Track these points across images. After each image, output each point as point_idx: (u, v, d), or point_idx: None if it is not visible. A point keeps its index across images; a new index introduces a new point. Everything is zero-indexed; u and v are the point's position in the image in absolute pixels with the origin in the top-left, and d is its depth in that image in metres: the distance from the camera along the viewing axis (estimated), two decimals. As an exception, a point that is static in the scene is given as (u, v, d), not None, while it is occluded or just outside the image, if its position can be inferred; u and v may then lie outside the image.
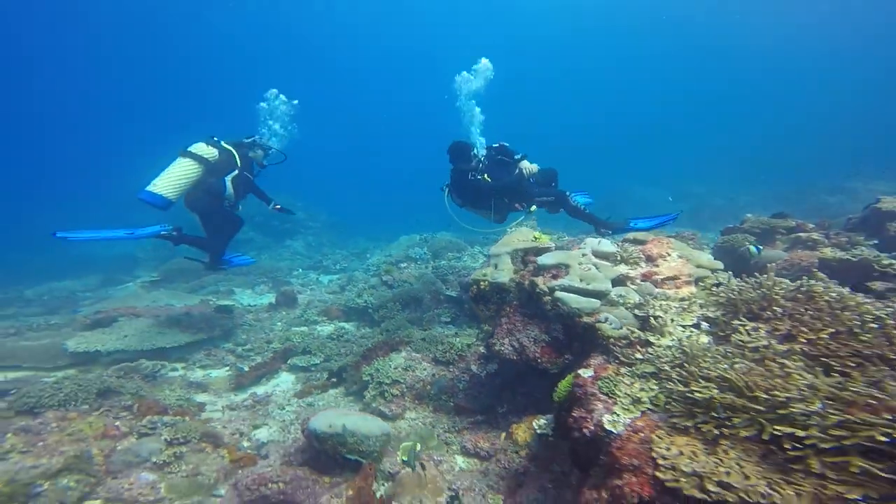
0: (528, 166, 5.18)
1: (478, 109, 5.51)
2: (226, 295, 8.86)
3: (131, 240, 5.14)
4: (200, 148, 5.09)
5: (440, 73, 7.29)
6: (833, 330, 1.90)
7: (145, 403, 3.85)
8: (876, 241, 3.85)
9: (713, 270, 3.03)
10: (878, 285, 3.18)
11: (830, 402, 1.60)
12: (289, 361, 5.50)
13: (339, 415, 2.99)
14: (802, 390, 1.66)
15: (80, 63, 33.62)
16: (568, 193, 5.25)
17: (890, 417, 1.40)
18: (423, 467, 3.43)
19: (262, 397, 4.70)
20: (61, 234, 4.68)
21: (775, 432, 1.61)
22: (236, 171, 5.26)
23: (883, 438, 1.37)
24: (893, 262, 3.41)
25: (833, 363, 1.77)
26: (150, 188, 4.71)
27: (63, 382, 4.01)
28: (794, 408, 1.62)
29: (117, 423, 3.52)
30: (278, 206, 5.97)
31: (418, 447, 3.64)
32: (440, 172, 5.38)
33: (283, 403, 4.57)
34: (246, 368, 5.38)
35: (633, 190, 17.78)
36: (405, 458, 3.49)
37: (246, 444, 3.81)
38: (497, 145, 5.29)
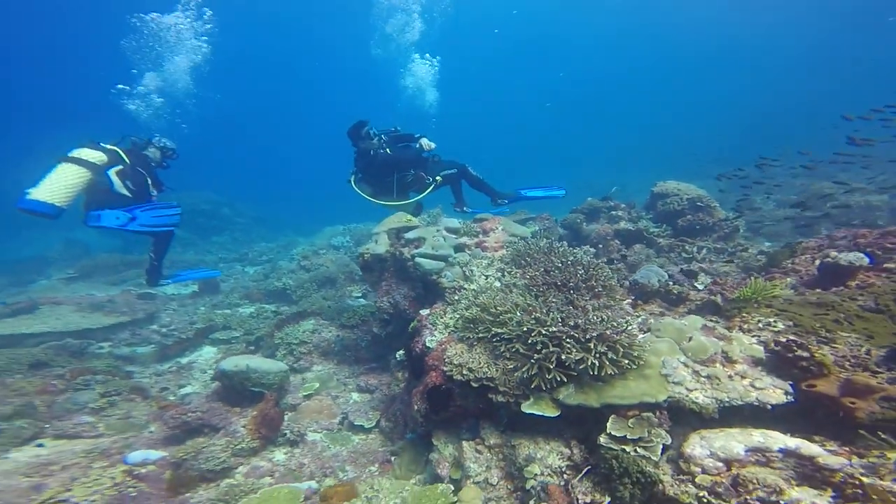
0: (426, 143, 5.66)
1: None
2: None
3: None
4: (83, 152, 4.63)
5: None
6: (544, 269, 3.13)
7: (77, 369, 4.46)
8: (651, 216, 5.36)
9: (520, 238, 4.26)
10: (637, 247, 4.60)
11: (524, 312, 2.79)
12: (210, 336, 6.19)
13: (243, 357, 3.87)
14: (510, 305, 2.84)
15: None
16: (467, 166, 5.88)
17: (536, 316, 2.60)
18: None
19: (185, 365, 5.41)
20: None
21: (493, 332, 2.78)
22: (121, 166, 4.82)
23: (525, 329, 2.56)
24: (656, 230, 4.89)
25: (536, 289, 2.99)
26: (31, 196, 4.11)
27: (-5, 357, 4.47)
28: (504, 317, 2.80)
29: (54, 382, 4.15)
30: None
31: (317, 386, 4.64)
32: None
33: (206, 368, 5.33)
34: (170, 343, 6.00)
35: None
36: (305, 394, 4.48)
37: (172, 397, 4.57)
38: (392, 129, 5.76)
